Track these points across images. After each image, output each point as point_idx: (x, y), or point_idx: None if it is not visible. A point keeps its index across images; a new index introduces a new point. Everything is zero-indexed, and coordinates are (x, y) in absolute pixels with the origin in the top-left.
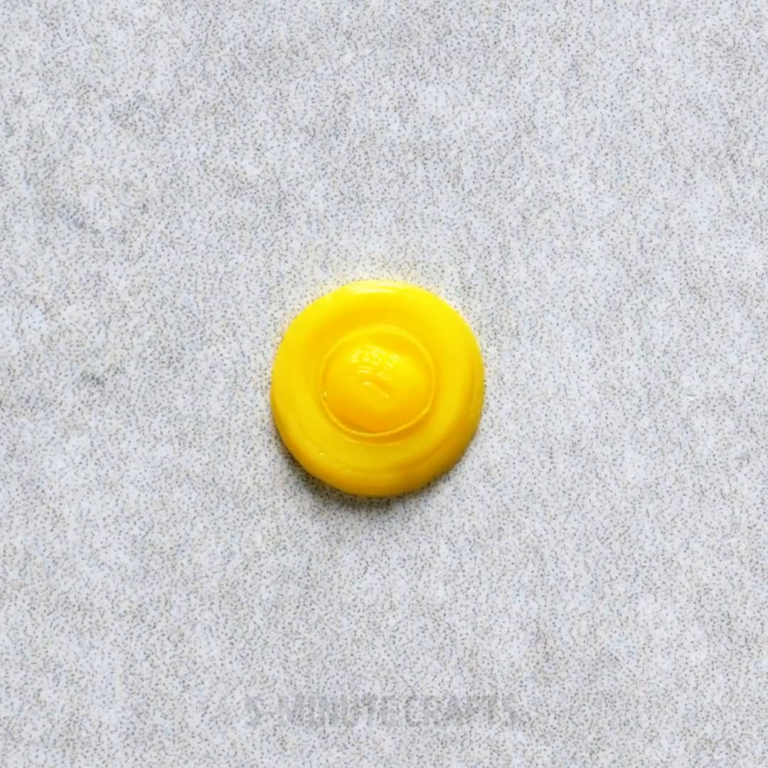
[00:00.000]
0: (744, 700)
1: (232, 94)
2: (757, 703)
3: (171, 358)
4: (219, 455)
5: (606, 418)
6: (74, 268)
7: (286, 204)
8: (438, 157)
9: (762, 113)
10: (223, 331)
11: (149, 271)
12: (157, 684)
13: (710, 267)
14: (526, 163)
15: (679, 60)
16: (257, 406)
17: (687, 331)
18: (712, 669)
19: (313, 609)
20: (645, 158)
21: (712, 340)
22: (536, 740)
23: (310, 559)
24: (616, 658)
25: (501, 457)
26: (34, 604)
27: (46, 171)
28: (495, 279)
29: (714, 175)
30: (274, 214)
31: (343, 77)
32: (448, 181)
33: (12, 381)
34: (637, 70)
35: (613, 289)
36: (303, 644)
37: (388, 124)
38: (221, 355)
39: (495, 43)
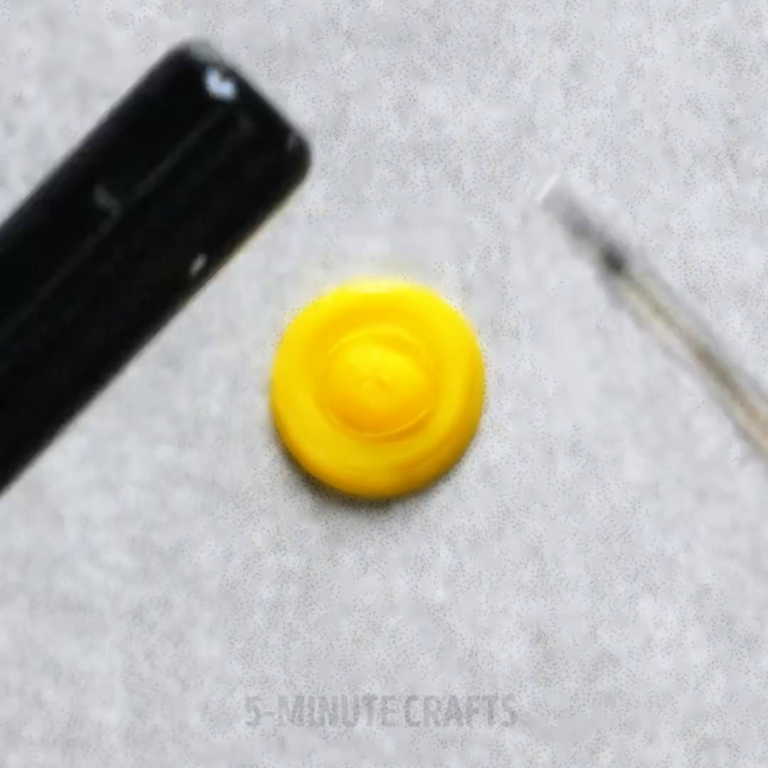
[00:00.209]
0: (744, 700)
1: None
2: (757, 703)
3: (171, 358)
4: (219, 455)
5: (606, 418)
6: None
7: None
8: (438, 157)
9: (762, 113)
10: (223, 331)
11: None
12: (157, 684)
13: (710, 267)
14: (526, 163)
15: (679, 60)
16: (257, 406)
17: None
18: (712, 669)
19: (313, 609)
20: (645, 158)
21: (712, 340)
22: (536, 740)
23: (310, 559)
24: (616, 658)
25: (501, 457)
26: (34, 604)
27: (46, 171)
28: (495, 279)
29: (714, 175)
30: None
31: (343, 77)
32: (448, 181)
33: None
34: (637, 70)
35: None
36: (303, 644)
37: (388, 124)
38: (221, 355)
39: (495, 43)
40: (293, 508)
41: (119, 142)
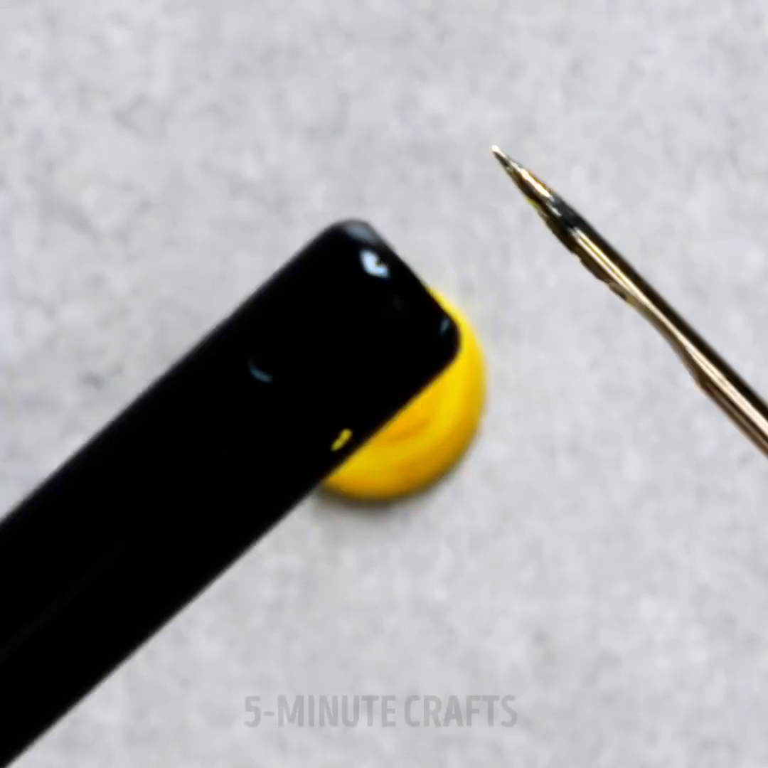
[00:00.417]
0: (744, 700)
1: (232, 94)
2: (757, 703)
3: (171, 358)
4: None
5: (606, 418)
6: (74, 268)
7: (286, 204)
8: (438, 157)
9: (762, 113)
10: None
11: (149, 271)
12: (157, 684)
13: (710, 267)
14: (526, 163)
15: (679, 60)
16: None
17: None
18: (712, 669)
19: (313, 609)
20: (645, 158)
21: (712, 340)
22: (536, 741)
23: (310, 559)
24: (616, 658)
25: (501, 457)
26: None
27: (45, 171)
28: (495, 279)
29: (714, 175)
30: (275, 215)
31: (343, 77)
32: (448, 181)
33: (12, 381)
34: (637, 70)
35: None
36: (303, 644)
37: (388, 124)
38: None
39: (495, 43)
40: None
41: (271, 316)
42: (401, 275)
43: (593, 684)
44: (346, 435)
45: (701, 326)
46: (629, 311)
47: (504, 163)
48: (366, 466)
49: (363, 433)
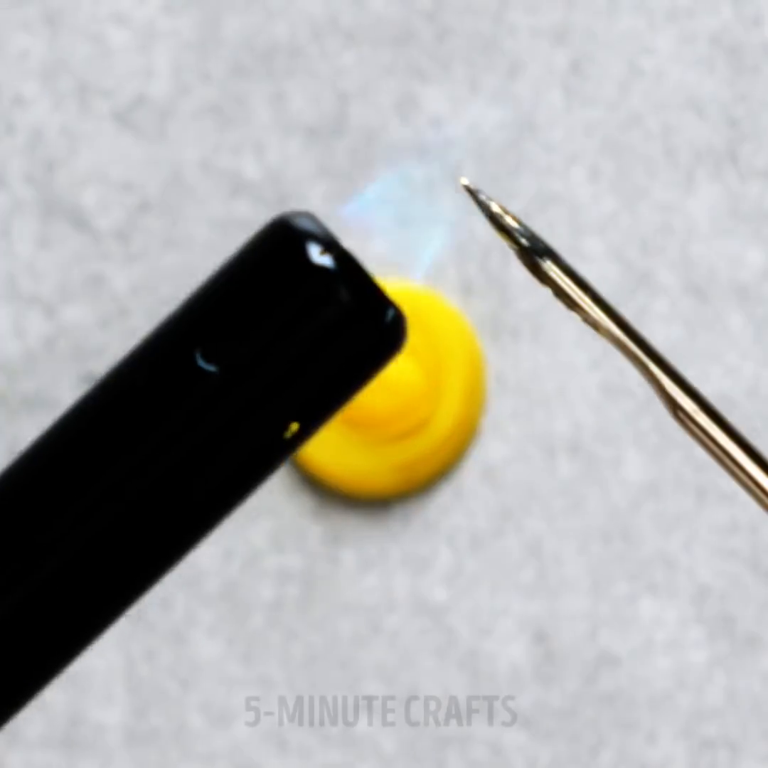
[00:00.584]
0: (744, 700)
1: (232, 94)
2: (757, 703)
3: None
4: None
5: (606, 418)
6: (74, 268)
7: (286, 204)
8: (438, 157)
9: (762, 113)
10: None
11: (149, 271)
12: (157, 684)
13: (710, 267)
14: (526, 163)
15: (679, 60)
16: None
17: (687, 331)
18: (712, 669)
19: (313, 609)
20: (645, 158)
21: (712, 340)
22: (536, 740)
23: (310, 559)
24: (616, 658)
25: (501, 457)
26: None
27: (45, 171)
28: (495, 279)
29: (714, 175)
30: (275, 215)
31: (343, 77)
32: (448, 181)
33: (12, 381)
34: (637, 70)
35: (613, 289)
36: (303, 644)
37: (388, 124)
38: None
39: (495, 43)
40: (293, 508)
41: (218, 307)
42: (346, 265)
43: (593, 684)
44: (294, 426)
45: (701, 326)
46: (629, 311)
47: (473, 195)
48: (366, 466)
49: (310, 423)
